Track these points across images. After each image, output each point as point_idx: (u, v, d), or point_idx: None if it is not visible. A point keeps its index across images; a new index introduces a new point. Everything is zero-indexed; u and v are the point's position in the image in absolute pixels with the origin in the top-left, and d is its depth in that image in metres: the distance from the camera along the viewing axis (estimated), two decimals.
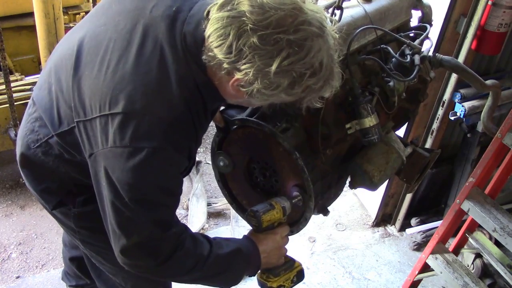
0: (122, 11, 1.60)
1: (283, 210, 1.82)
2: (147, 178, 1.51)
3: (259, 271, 1.90)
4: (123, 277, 2.07)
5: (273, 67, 1.34)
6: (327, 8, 1.75)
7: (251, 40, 1.33)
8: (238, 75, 1.40)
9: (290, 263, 1.98)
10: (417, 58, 1.81)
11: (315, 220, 3.99)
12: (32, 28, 3.49)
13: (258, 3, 1.34)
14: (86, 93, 1.54)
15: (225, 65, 1.40)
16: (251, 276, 1.90)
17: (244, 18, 1.33)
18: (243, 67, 1.37)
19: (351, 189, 1.99)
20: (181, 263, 1.66)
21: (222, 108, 1.88)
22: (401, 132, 3.22)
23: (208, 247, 1.70)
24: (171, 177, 1.58)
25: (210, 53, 1.42)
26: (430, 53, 1.99)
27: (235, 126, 1.83)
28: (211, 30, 1.38)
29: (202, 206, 4.00)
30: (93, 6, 3.94)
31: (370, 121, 1.70)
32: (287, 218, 1.86)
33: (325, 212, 1.95)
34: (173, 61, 1.48)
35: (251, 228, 1.87)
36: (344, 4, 1.75)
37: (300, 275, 2.01)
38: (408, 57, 1.83)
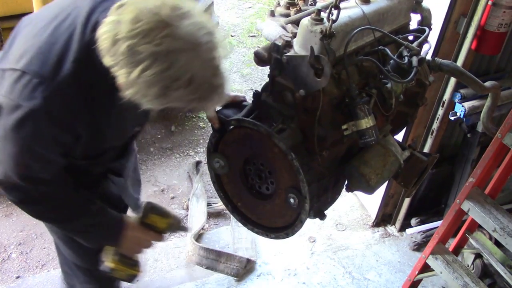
0: None
1: (170, 226, 2.03)
2: (18, 135, 1.64)
3: (113, 248, 2.04)
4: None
5: (134, 76, 1.40)
6: (324, 8, 1.75)
7: (122, 48, 1.39)
8: (118, 78, 1.46)
9: (136, 264, 2.10)
10: (415, 60, 1.80)
11: (315, 220, 3.98)
12: None
13: (137, 12, 1.39)
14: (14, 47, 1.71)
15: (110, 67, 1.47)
16: (110, 245, 2.02)
17: (121, 26, 1.39)
18: (118, 72, 1.44)
19: (348, 192, 1.98)
20: (42, 211, 1.90)
21: (218, 108, 1.88)
22: (401, 132, 3.22)
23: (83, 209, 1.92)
24: (39, 144, 1.68)
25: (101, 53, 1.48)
26: (429, 56, 1.98)
27: (231, 127, 1.83)
28: (100, 32, 1.45)
29: (202, 206, 4.00)
30: None
31: (366, 123, 1.69)
32: (167, 233, 2.07)
33: (322, 216, 1.95)
34: (77, 42, 1.59)
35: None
36: (342, 5, 1.74)
37: (130, 278, 2.12)
38: (406, 58, 1.82)
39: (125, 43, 1.38)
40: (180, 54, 1.39)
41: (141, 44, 1.37)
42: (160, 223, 2.01)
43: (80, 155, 1.85)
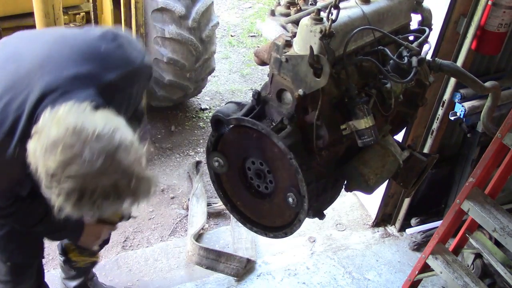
0: (29, 57, 1.89)
1: (121, 218, 2.42)
2: None
3: (71, 244, 2.50)
4: None
5: (59, 204, 1.54)
6: (324, 8, 1.74)
7: (44, 182, 1.54)
8: None
9: (95, 253, 2.58)
10: (414, 60, 1.80)
11: (315, 220, 3.98)
12: (32, 28, 3.49)
13: (45, 147, 1.51)
14: None
15: None
16: (74, 241, 2.43)
17: (37, 160, 1.53)
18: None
19: (347, 192, 1.98)
20: (8, 222, 2.25)
21: (216, 110, 1.88)
22: (401, 132, 3.22)
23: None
24: None
25: None
26: (429, 57, 1.98)
27: (231, 126, 1.83)
28: (28, 157, 1.56)
29: (202, 206, 4.00)
30: (93, 6, 3.94)
31: (366, 122, 1.68)
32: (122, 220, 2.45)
33: (321, 216, 1.94)
34: (21, 128, 1.77)
35: None
36: (342, 5, 1.73)
37: (92, 265, 2.69)
38: (406, 59, 1.82)
39: (42, 178, 1.54)
40: (87, 185, 1.51)
41: (52, 182, 1.52)
42: (114, 217, 2.41)
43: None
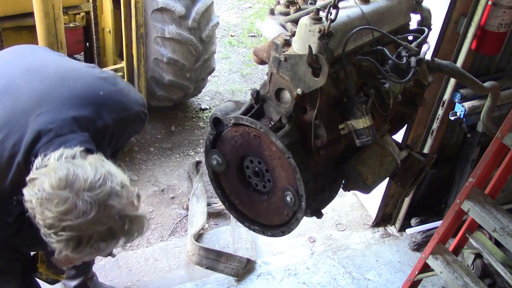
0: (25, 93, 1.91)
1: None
2: None
3: (45, 258, 2.45)
4: None
5: (58, 250, 1.62)
6: (323, 7, 1.74)
7: (41, 230, 1.60)
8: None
9: (62, 272, 2.53)
10: (413, 60, 1.80)
11: (315, 220, 3.97)
12: (32, 28, 3.49)
13: (40, 200, 1.56)
14: None
15: None
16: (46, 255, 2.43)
17: (34, 211, 1.58)
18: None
19: (345, 191, 1.97)
20: None
21: (215, 109, 1.88)
22: (401, 132, 3.22)
23: None
24: None
25: None
26: (428, 57, 1.97)
27: (229, 124, 1.83)
28: (26, 206, 1.61)
29: (202, 206, 4.00)
30: (93, 6, 3.94)
31: (364, 122, 1.68)
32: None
33: (319, 215, 1.94)
34: (16, 165, 1.82)
35: None
36: (341, 4, 1.73)
37: (53, 282, 2.61)
38: (404, 59, 1.82)
39: (40, 227, 1.60)
40: (83, 232, 1.58)
41: (50, 233, 1.59)
42: None
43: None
